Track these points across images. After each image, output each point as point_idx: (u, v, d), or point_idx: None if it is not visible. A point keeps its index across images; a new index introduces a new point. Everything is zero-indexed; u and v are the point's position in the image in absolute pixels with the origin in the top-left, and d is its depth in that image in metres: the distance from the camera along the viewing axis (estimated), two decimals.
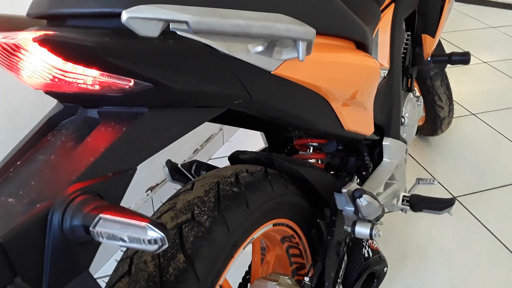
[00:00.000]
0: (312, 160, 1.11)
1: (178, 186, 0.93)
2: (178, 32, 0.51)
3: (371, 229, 0.88)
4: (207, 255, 0.66)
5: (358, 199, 0.85)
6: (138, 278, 0.63)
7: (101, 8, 0.47)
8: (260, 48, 0.59)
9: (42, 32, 0.43)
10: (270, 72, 0.63)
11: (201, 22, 0.46)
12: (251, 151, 0.94)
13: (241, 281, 1.01)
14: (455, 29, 3.34)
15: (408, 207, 1.20)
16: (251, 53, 0.59)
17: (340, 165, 1.17)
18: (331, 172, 1.16)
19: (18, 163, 0.50)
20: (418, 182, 1.30)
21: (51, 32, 0.43)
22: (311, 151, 1.11)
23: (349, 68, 0.81)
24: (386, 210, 1.04)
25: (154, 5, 0.43)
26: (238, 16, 0.49)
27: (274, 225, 0.87)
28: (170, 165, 1.02)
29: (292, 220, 0.91)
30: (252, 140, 1.96)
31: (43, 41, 0.42)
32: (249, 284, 0.98)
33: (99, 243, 0.46)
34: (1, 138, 1.01)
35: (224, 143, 2.07)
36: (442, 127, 1.98)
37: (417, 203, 1.18)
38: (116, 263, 0.68)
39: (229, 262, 0.72)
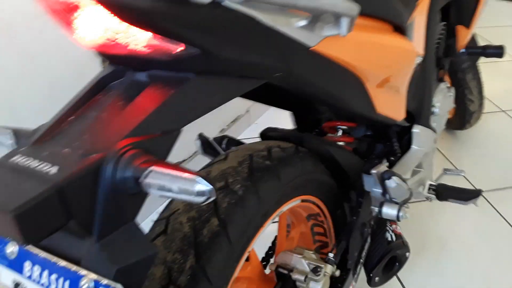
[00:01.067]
0: (341, 143, 1.12)
1: (207, 161, 0.96)
2: (226, 2, 0.53)
3: (398, 211, 0.89)
4: (239, 221, 0.69)
5: (387, 180, 0.87)
6: (174, 238, 0.67)
7: None
8: (303, 23, 0.61)
9: None
10: (310, 47, 0.65)
11: None
12: (282, 129, 0.96)
13: (266, 254, 1.04)
14: (489, 24, 3.27)
15: (434, 196, 1.21)
16: (294, 28, 0.60)
17: (368, 150, 1.18)
18: None
19: (71, 118, 0.53)
20: (445, 172, 1.31)
21: None
22: (339, 134, 1.13)
23: (386, 49, 0.82)
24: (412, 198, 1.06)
25: None
26: None
27: (302, 201, 0.89)
28: (202, 138, 1.06)
29: (319, 198, 0.93)
30: (278, 124, 1.98)
31: (105, 2, 0.45)
32: (273, 258, 1.01)
33: (145, 195, 0.49)
34: (41, 106, 1.06)
35: (250, 125, 2.09)
36: (471, 121, 1.97)
37: (443, 192, 1.19)
38: (152, 223, 0.71)
39: (259, 230, 0.75)
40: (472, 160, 1.91)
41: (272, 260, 1.00)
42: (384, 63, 0.83)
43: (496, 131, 2.11)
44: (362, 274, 1.06)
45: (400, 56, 0.86)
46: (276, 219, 0.90)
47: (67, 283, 0.49)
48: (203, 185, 0.43)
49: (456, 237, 1.53)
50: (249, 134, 2.02)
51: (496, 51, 1.52)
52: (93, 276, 0.47)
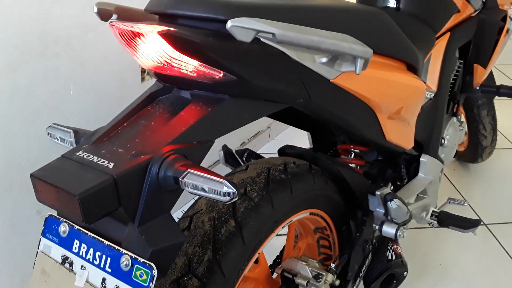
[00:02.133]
0: (352, 165, 1.21)
1: (226, 170, 1.06)
2: (261, 39, 0.63)
3: (397, 230, 0.98)
4: (253, 225, 0.79)
5: (389, 202, 0.96)
6: (196, 233, 0.77)
7: (208, 13, 0.61)
8: (324, 60, 0.71)
9: (165, 28, 0.57)
10: (329, 80, 0.75)
11: (285, 35, 0.58)
12: (299, 147, 1.06)
13: (273, 262, 1.13)
14: (509, 62, 3.32)
15: (436, 222, 1.28)
16: (316, 63, 0.71)
17: (377, 174, 1.27)
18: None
19: (125, 124, 0.65)
20: (449, 201, 1.38)
21: (172, 29, 0.57)
22: (352, 156, 1.22)
23: (397, 86, 0.92)
24: (412, 224, 1.14)
25: (252, 18, 0.56)
26: (312, 33, 0.61)
27: (311, 214, 0.98)
28: (226, 149, 1.16)
29: (327, 213, 1.03)
30: (296, 141, 2.07)
31: (165, 34, 0.56)
32: (280, 264, 1.10)
33: (180, 193, 0.60)
34: (86, 107, 1.18)
35: (269, 140, 2.20)
36: (483, 156, 2.03)
37: (445, 219, 1.26)
38: (177, 220, 0.81)
39: (270, 235, 0.84)
40: (481, 192, 1.97)
41: (279, 266, 1.09)
42: (394, 97, 0.92)
43: (508, 167, 2.16)
44: (360, 286, 1.15)
45: (410, 92, 0.96)
46: (285, 231, 1.00)
47: (109, 259, 0.60)
48: (229, 188, 0.53)
49: (457, 265, 1.59)
50: (268, 149, 2.12)
51: (510, 92, 1.59)
52: (132, 255, 0.58)
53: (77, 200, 0.51)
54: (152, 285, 0.56)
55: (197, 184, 0.54)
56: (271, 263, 1.13)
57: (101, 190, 0.53)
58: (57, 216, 0.64)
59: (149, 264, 0.56)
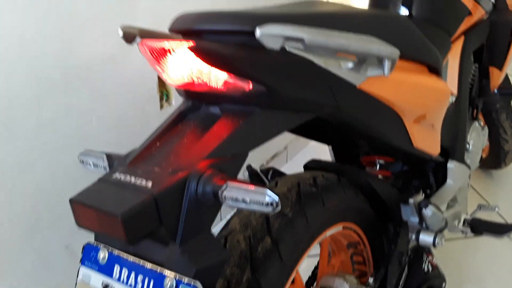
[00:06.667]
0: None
1: None
2: (287, 49, 0.63)
3: (435, 238, 0.95)
4: (289, 241, 0.77)
5: (424, 209, 0.93)
6: (232, 253, 0.75)
7: (233, 27, 0.61)
8: (350, 65, 0.71)
9: (194, 42, 0.57)
10: (355, 86, 0.75)
11: (314, 39, 0.58)
12: (325, 161, 1.05)
13: (306, 282, 1.10)
14: None
15: (469, 229, 1.25)
16: (343, 69, 0.70)
17: (404, 184, 1.24)
18: None
19: (158, 143, 0.64)
20: (480, 208, 1.35)
21: (201, 42, 0.57)
22: (377, 168, 1.20)
23: (422, 88, 0.91)
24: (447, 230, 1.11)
25: (280, 24, 0.56)
26: (340, 37, 0.61)
27: (344, 228, 0.96)
28: (251, 169, 1.15)
29: (359, 226, 1.00)
30: None
31: (195, 48, 0.56)
32: (315, 283, 1.07)
33: (220, 207, 0.59)
34: (108, 137, 1.18)
35: (287, 161, 2.18)
36: (506, 161, 1.99)
37: (478, 226, 1.23)
38: None
39: (306, 251, 0.82)
40: (508, 198, 1.93)
41: (314, 284, 1.06)
42: (420, 101, 0.91)
43: None
44: None
45: (435, 95, 0.95)
46: (317, 250, 0.97)
47: (152, 282, 0.58)
48: (271, 197, 0.52)
49: (492, 275, 1.54)
50: (286, 170, 2.09)
51: None
52: (176, 275, 0.56)
53: (119, 220, 0.50)
54: None
55: (238, 196, 0.53)
56: (309, 277, 1.10)
57: (143, 209, 0.52)
58: (96, 243, 0.62)
59: (194, 283, 0.54)
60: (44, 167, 1.05)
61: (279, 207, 0.52)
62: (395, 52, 0.67)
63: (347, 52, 0.64)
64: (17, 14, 0.92)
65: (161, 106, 1.32)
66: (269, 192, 0.52)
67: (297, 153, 2.23)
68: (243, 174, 1.17)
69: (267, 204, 0.52)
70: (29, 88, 0.97)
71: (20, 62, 0.94)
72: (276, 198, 0.52)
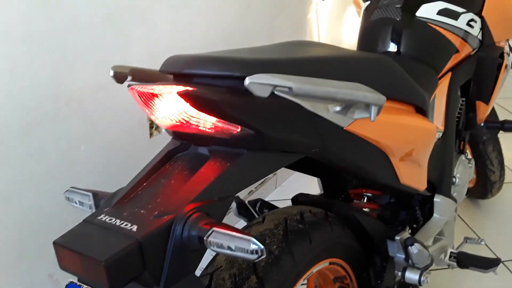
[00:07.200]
0: (366, 210, 1.20)
1: (237, 220, 1.04)
2: (276, 93, 0.64)
3: (420, 275, 0.95)
4: (275, 280, 0.77)
5: (409, 247, 0.94)
6: None
7: (223, 71, 0.62)
8: (337, 108, 0.72)
9: (184, 88, 0.57)
10: (343, 127, 0.76)
11: (301, 88, 0.59)
12: (312, 195, 1.06)
13: None
14: (509, 95, 3.36)
15: (455, 263, 1.25)
16: (330, 112, 0.71)
17: (391, 217, 1.25)
18: None
19: (145, 184, 0.64)
20: (466, 241, 1.36)
21: (190, 88, 0.57)
22: (365, 200, 1.21)
23: (408, 128, 0.92)
24: (433, 265, 1.11)
25: (269, 74, 0.57)
26: (327, 85, 0.62)
27: (330, 263, 0.96)
28: (238, 200, 1.15)
29: (346, 261, 1.00)
30: (303, 187, 2.07)
31: (184, 94, 0.57)
32: None
33: (204, 251, 0.59)
34: (97, 165, 1.18)
35: (276, 187, 2.18)
36: (492, 191, 2.02)
37: (464, 260, 1.23)
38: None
39: None
40: (494, 228, 1.94)
41: None
42: (407, 140, 0.93)
43: None
44: None
45: (421, 134, 0.96)
46: (305, 282, 0.97)
47: None
48: (256, 245, 0.52)
49: None
50: (276, 196, 2.11)
51: None
52: None
53: (102, 266, 0.50)
54: None
55: (223, 243, 0.53)
56: None
57: (127, 255, 0.52)
58: (78, 283, 0.62)
59: None
60: (31, 194, 1.04)
61: (264, 255, 0.52)
62: (381, 98, 0.68)
63: (334, 100, 0.66)
64: (10, 45, 0.92)
65: (151, 135, 1.32)
66: (254, 240, 0.52)
67: (286, 179, 2.23)
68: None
69: (252, 252, 0.52)
70: (18, 118, 0.97)
71: (10, 92, 0.94)
72: (261, 246, 0.52)
